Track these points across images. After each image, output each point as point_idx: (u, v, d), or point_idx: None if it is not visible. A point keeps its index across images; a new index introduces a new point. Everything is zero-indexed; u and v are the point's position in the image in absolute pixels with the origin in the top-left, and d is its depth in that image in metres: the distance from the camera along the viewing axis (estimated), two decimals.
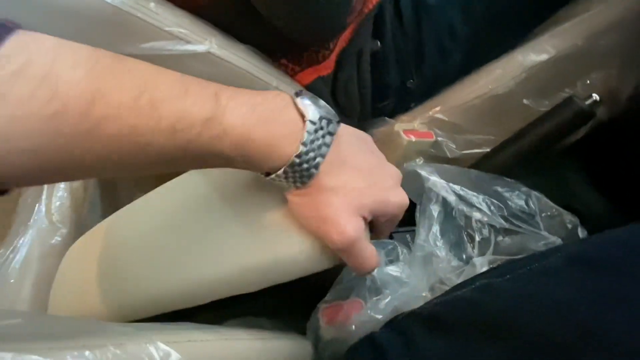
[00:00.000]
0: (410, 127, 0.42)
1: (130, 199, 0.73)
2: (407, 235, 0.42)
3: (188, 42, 0.27)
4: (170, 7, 0.27)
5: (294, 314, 0.37)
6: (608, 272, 0.18)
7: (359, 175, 0.23)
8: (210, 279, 0.27)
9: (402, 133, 0.40)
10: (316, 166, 0.20)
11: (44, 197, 0.55)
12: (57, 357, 0.17)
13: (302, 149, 0.20)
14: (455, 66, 0.40)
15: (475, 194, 0.31)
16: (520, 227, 0.29)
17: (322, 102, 0.22)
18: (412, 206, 0.42)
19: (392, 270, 0.33)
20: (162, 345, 0.21)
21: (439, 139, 0.41)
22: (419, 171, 0.32)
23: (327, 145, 0.21)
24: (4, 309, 0.21)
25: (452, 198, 0.31)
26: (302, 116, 0.20)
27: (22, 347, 0.17)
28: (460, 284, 0.25)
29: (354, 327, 0.30)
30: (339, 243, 0.22)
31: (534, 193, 0.31)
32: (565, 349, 0.16)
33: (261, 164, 0.20)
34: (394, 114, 0.44)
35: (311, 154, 0.20)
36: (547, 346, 0.17)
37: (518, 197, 0.31)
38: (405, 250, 0.36)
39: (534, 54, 0.39)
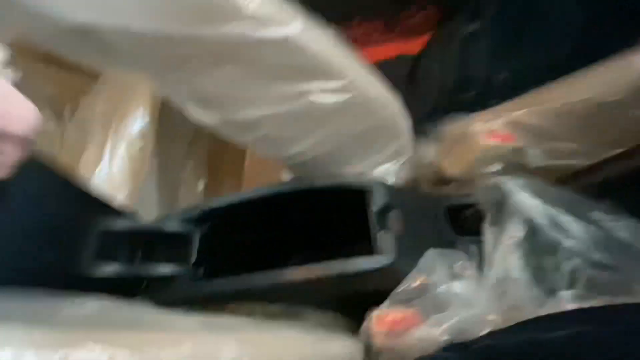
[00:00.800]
0: (489, 127, 0.38)
1: (181, 165, 0.74)
2: (472, 246, 0.39)
3: (271, 26, 0.24)
4: None
5: (349, 315, 0.37)
6: None
7: None
8: None
9: (480, 134, 0.36)
10: None
11: (106, 159, 0.56)
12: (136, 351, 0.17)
13: None
14: (559, 62, 0.35)
15: (573, 219, 0.27)
16: (624, 263, 0.25)
17: None
18: (479, 215, 0.39)
19: (460, 287, 0.31)
20: (231, 345, 0.20)
21: (522, 145, 0.37)
22: (506, 185, 0.29)
23: None
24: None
25: (544, 221, 0.27)
26: None
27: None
28: (548, 320, 0.23)
29: (414, 341, 0.29)
30: None
31: None
32: None
33: None
34: (471, 108, 0.40)
35: None
36: None
37: (624, 230, 0.27)
38: (472, 265, 0.33)
39: None
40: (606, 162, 0.31)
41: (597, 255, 0.27)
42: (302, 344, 0.27)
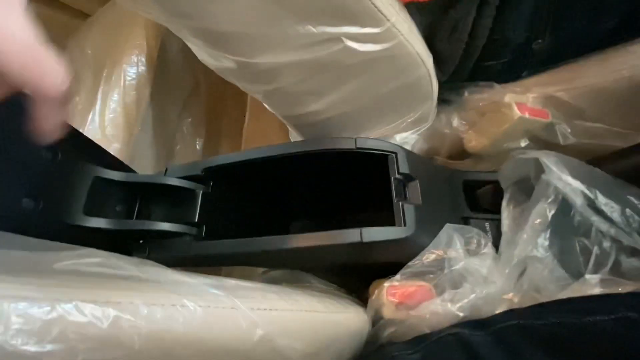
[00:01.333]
0: (522, 100, 0.35)
1: (178, 122, 0.69)
2: (487, 224, 0.37)
3: None
4: None
5: (353, 283, 0.36)
6: None
7: None
8: None
9: (514, 106, 0.34)
10: None
11: (97, 107, 0.52)
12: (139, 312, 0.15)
13: None
14: (604, 33, 0.32)
15: (611, 201, 0.25)
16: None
17: None
18: (495, 192, 0.37)
19: (477, 263, 0.30)
20: (248, 314, 0.18)
21: (553, 120, 0.35)
22: (543, 160, 0.27)
23: None
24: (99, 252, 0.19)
25: (579, 200, 0.26)
26: None
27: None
28: (587, 305, 0.21)
29: (426, 315, 0.28)
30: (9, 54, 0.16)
31: None
32: None
33: None
34: (499, 79, 0.37)
35: None
36: None
37: None
38: (489, 243, 0.32)
39: None
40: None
41: (627, 240, 0.25)
42: (320, 314, 0.25)
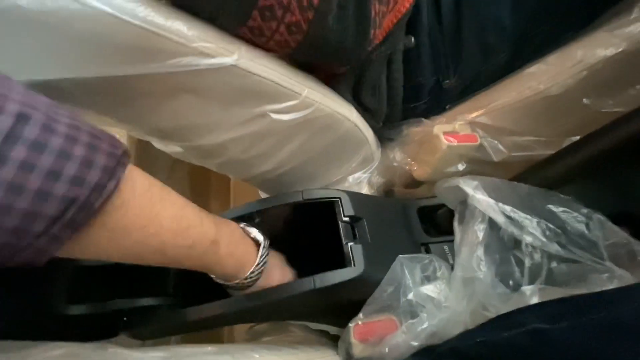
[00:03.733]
0: (450, 128, 0.38)
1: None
2: (445, 247, 0.39)
3: (213, 57, 0.25)
4: (196, 21, 0.25)
5: (335, 324, 0.37)
6: None
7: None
8: None
9: (441, 136, 0.37)
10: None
11: None
12: None
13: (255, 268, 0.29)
14: (500, 65, 0.36)
15: (527, 216, 0.27)
16: (580, 256, 0.26)
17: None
18: (450, 214, 0.39)
19: (430, 290, 0.31)
20: None
21: (483, 142, 0.38)
22: (462, 187, 0.29)
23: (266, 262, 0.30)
24: None
25: (500, 219, 0.28)
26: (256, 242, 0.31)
27: None
28: (507, 321, 0.23)
29: (387, 349, 0.29)
30: None
31: (596, 216, 0.28)
32: None
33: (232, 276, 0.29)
34: (427, 115, 0.41)
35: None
36: None
37: (577, 221, 0.27)
38: (443, 266, 0.34)
39: (598, 49, 0.33)
40: (564, 151, 0.31)
41: (554, 248, 0.27)
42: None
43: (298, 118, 0.31)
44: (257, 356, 0.26)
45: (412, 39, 0.35)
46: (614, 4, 0.34)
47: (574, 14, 0.34)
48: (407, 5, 0.33)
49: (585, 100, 0.34)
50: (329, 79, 0.37)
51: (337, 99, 0.35)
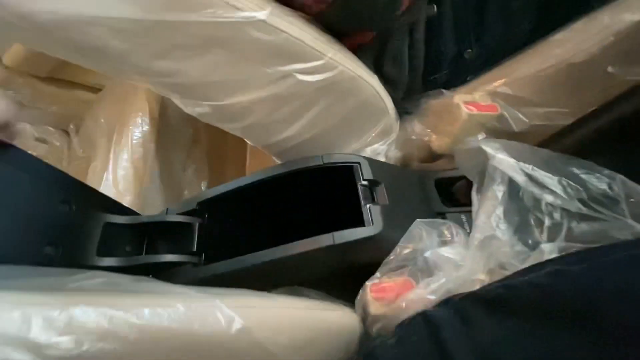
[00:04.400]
0: (470, 98, 0.39)
1: (183, 169, 0.76)
2: (462, 216, 0.40)
3: (244, 10, 0.26)
4: None
5: (344, 290, 0.38)
6: None
7: None
8: None
9: (462, 105, 0.37)
10: None
11: (110, 167, 0.59)
12: (131, 311, 0.19)
13: None
14: (523, 34, 0.36)
15: (549, 174, 0.28)
16: (601, 213, 0.26)
17: None
18: (468, 186, 0.40)
19: (447, 251, 0.32)
20: (226, 309, 0.22)
21: (504, 112, 0.38)
22: (484, 147, 0.30)
23: None
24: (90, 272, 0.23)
25: (521, 178, 0.28)
26: None
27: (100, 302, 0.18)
28: (526, 269, 0.24)
29: (404, 304, 0.30)
30: None
31: (619, 176, 0.28)
32: None
33: None
34: (448, 86, 0.41)
35: None
36: (632, 338, 0.15)
37: (599, 180, 0.27)
38: (460, 232, 0.34)
39: (627, 14, 0.33)
40: (582, 120, 0.32)
41: (575, 206, 0.27)
42: (301, 310, 0.28)
43: (322, 80, 0.32)
44: (281, 298, 0.27)
45: (435, 8, 0.35)
46: None
47: None
48: None
49: (610, 69, 0.34)
50: (354, 49, 0.37)
51: (360, 66, 0.35)
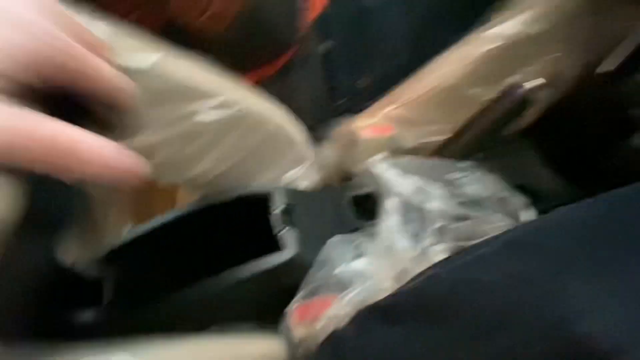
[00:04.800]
0: (369, 122, 0.43)
1: (104, 216, 0.71)
2: (374, 229, 0.43)
3: (130, 60, 0.27)
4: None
5: (268, 319, 0.38)
6: (529, 253, 0.20)
7: None
8: None
9: (359, 131, 0.41)
10: None
11: None
12: None
13: None
14: (404, 64, 0.42)
15: (430, 183, 0.32)
16: (476, 212, 0.30)
17: None
18: (377, 199, 0.43)
19: (357, 264, 0.34)
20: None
21: (397, 132, 0.43)
22: (372, 169, 0.33)
23: None
24: None
25: (407, 190, 0.32)
26: None
27: None
28: (415, 276, 0.27)
29: (323, 323, 0.31)
30: None
31: (490, 176, 0.33)
32: (491, 328, 0.18)
33: None
34: (351, 113, 0.45)
35: None
36: (478, 326, 0.18)
37: (475, 181, 0.32)
38: (372, 244, 0.37)
39: (479, 44, 0.40)
40: (454, 135, 0.37)
41: (456, 211, 0.32)
42: (217, 349, 0.28)
43: (223, 118, 0.34)
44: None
45: (327, 44, 0.40)
46: (490, 6, 0.41)
47: (459, 18, 0.41)
48: (320, 7, 0.37)
49: (472, 91, 0.41)
50: (256, 84, 0.40)
51: (262, 100, 0.38)
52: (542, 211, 0.43)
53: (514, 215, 0.31)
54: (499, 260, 0.20)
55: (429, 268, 0.25)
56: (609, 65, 0.39)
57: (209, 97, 0.32)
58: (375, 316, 0.23)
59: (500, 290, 0.18)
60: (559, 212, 0.23)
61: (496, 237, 0.23)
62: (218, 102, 0.32)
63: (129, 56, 0.27)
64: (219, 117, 0.33)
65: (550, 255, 0.18)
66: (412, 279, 0.26)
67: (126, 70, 0.27)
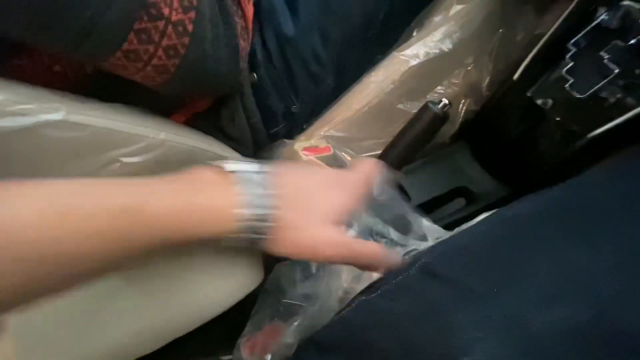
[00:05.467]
0: (308, 144, 0.44)
1: None
2: None
3: (39, 114, 0.26)
4: (10, 86, 0.26)
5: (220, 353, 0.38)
6: (437, 281, 0.21)
7: (312, 197, 0.25)
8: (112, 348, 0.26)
9: (300, 152, 0.42)
10: (268, 219, 0.23)
11: None
12: None
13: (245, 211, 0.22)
14: (330, 87, 0.43)
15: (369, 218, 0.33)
16: (380, 238, 0.32)
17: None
18: None
19: (305, 288, 0.34)
20: None
21: (336, 151, 0.44)
22: None
23: (270, 196, 0.23)
24: None
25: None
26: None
27: None
28: (345, 305, 0.27)
29: (269, 356, 0.31)
30: (334, 253, 0.24)
31: (404, 204, 0.34)
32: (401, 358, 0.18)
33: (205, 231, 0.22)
34: (290, 136, 0.46)
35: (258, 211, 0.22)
36: (391, 355, 0.19)
37: (395, 208, 0.34)
38: (316, 266, 0.37)
39: (398, 64, 0.43)
40: (384, 151, 0.39)
41: (381, 230, 0.33)
42: None
43: (151, 159, 0.33)
44: None
45: (255, 75, 0.40)
46: (401, 31, 0.44)
47: (373, 43, 0.43)
48: (249, 43, 0.38)
49: (399, 106, 0.43)
50: (190, 119, 0.40)
51: (194, 135, 0.37)
52: (476, 211, 0.46)
53: (423, 238, 0.33)
54: (413, 288, 0.22)
55: (357, 295, 0.26)
56: (517, 74, 0.42)
57: (130, 143, 0.31)
58: (312, 350, 0.24)
59: (409, 322, 0.19)
60: (462, 235, 0.24)
61: (413, 263, 0.24)
62: (142, 146, 0.32)
63: (35, 111, 0.26)
64: (145, 159, 0.32)
65: (452, 283, 0.20)
66: (343, 308, 0.26)
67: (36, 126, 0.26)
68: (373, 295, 0.23)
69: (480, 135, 0.49)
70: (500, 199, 0.48)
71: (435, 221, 0.45)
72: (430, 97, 0.43)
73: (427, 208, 0.47)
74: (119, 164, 0.32)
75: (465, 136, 0.51)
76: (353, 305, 0.24)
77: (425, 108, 0.39)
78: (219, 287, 0.28)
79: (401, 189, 0.47)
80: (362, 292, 0.26)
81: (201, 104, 0.39)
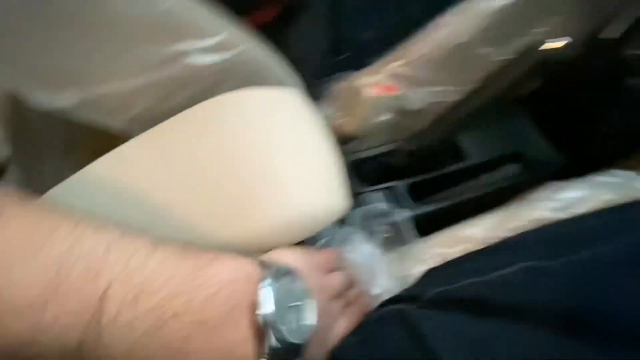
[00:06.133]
0: (372, 81, 0.40)
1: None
2: (380, 193, 0.42)
3: None
4: None
5: None
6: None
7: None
8: None
9: (364, 88, 0.38)
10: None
11: None
12: None
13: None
14: (413, 17, 0.38)
15: None
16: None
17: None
18: (378, 165, 0.41)
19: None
20: None
21: (402, 92, 0.40)
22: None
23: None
24: None
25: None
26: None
27: None
28: (481, 263, 0.25)
29: None
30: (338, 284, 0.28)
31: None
32: None
33: None
34: (352, 69, 0.42)
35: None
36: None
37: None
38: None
39: (480, 4, 0.38)
40: (464, 99, 0.35)
41: None
42: None
43: (219, 62, 0.29)
44: None
45: None
46: None
47: None
48: None
49: (483, 50, 0.39)
50: (255, 29, 0.34)
51: (262, 46, 0.33)
52: (531, 179, 0.44)
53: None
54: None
55: (516, 258, 0.23)
56: (613, 31, 0.38)
57: (203, 36, 0.27)
58: (463, 307, 0.20)
59: None
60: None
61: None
62: (214, 43, 0.27)
63: None
64: (214, 61, 0.28)
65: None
66: (481, 267, 0.24)
67: None
68: (555, 262, 0.20)
69: (548, 99, 0.46)
70: (558, 170, 0.46)
71: (487, 185, 0.44)
72: (516, 42, 0.38)
73: (481, 170, 0.45)
74: (184, 63, 0.27)
75: (529, 98, 0.48)
76: (517, 268, 0.21)
77: (532, 48, 0.35)
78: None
79: (455, 146, 0.45)
80: (516, 255, 0.24)
81: (269, 12, 0.34)
